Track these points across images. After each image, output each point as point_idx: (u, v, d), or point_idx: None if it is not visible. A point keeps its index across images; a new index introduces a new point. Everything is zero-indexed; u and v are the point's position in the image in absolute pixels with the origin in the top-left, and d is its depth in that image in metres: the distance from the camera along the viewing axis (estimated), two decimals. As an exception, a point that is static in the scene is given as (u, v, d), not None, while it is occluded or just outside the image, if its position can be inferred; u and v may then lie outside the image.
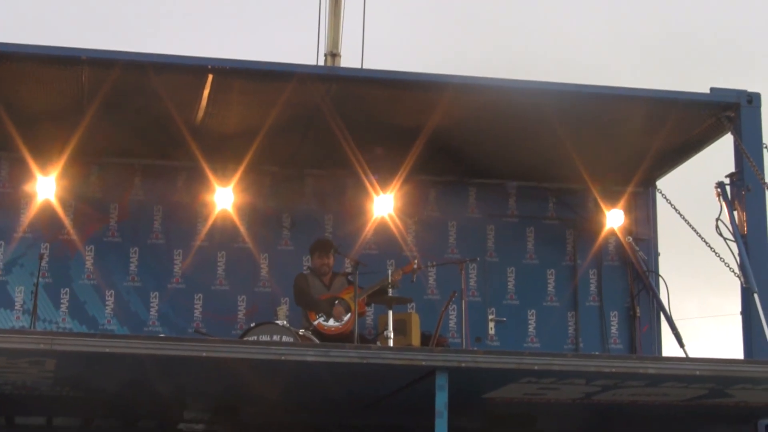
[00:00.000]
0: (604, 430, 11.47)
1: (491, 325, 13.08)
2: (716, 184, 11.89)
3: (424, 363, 8.97)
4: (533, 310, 13.49)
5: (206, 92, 11.37)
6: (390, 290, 11.75)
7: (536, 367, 9.16)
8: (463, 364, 8.99)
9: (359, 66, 13.39)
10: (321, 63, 14.17)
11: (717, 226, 11.76)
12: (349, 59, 14.04)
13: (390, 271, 11.94)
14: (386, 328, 11.44)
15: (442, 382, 8.97)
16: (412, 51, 23.31)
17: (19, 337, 8.34)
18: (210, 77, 11.12)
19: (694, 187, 13.43)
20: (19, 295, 12.70)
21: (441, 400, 8.89)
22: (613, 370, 9.27)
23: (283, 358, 8.63)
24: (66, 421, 10.86)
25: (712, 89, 11.85)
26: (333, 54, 14.24)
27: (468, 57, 23.66)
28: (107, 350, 8.22)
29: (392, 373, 9.14)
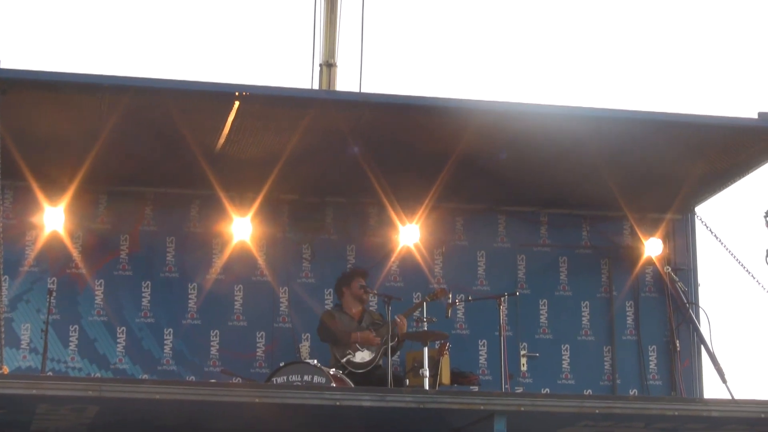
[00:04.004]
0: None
1: (523, 360, 13.01)
2: (765, 212, 11.89)
3: (482, 407, 8.97)
4: (567, 345, 13.39)
5: (231, 118, 11.31)
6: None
7: (597, 411, 9.21)
8: (523, 408, 9.00)
9: (357, 77, 13.51)
10: (316, 73, 14.07)
11: (767, 257, 11.79)
12: (345, 70, 13.99)
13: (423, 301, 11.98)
14: (421, 365, 11.39)
15: (500, 427, 8.98)
16: (415, 59, 23.14)
17: (68, 383, 8.31)
18: (237, 104, 11.05)
19: (736, 214, 13.43)
20: (25, 333, 12.51)
21: (498, 444, 8.92)
22: (676, 413, 9.34)
23: (338, 403, 8.60)
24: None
25: (760, 114, 11.83)
26: (329, 64, 14.07)
27: (472, 64, 23.54)
28: (157, 397, 8.18)
29: (448, 416, 9.12)
